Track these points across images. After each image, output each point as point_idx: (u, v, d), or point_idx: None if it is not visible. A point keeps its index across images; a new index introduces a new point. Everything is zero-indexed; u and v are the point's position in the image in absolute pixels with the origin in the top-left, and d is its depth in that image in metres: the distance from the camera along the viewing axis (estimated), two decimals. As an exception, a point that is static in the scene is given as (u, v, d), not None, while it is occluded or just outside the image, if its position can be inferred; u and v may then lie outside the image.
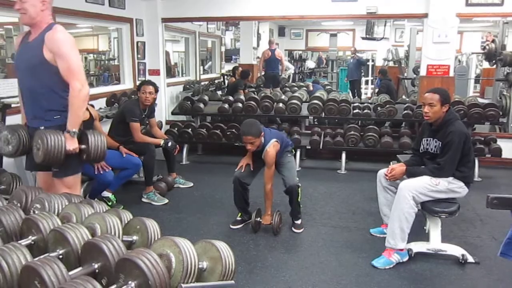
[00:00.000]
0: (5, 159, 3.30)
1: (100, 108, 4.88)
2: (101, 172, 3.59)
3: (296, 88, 8.11)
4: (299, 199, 3.49)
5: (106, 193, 3.86)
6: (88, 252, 1.41)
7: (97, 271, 1.38)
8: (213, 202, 4.13)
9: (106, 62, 10.47)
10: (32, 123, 2.56)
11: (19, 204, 1.95)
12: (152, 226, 1.77)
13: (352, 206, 4.03)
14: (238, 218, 3.60)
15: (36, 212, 1.78)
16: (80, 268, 1.40)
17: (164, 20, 6.00)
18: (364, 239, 3.31)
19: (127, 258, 1.28)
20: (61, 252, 1.49)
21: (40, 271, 1.22)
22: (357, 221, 3.67)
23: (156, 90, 4.31)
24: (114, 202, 3.92)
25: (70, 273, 1.37)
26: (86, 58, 10.12)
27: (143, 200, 4.12)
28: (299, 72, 14.71)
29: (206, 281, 1.53)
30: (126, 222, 1.85)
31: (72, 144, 2.43)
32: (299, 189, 3.48)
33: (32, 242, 1.61)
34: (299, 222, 3.54)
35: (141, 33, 5.86)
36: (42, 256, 1.37)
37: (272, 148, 3.36)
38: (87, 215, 1.75)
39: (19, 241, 1.57)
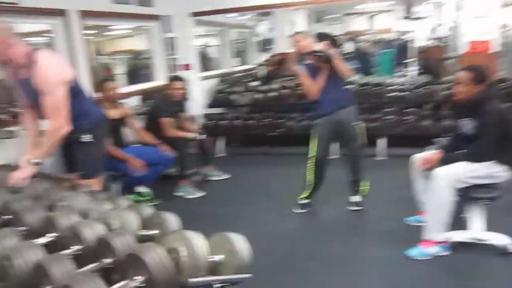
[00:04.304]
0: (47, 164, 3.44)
1: (136, 106, 4.97)
2: (136, 174, 3.66)
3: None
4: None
5: (141, 188, 3.95)
6: (101, 248, 1.42)
7: (109, 266, 1.38)
8: (248, 194, 4.12)
9: (144, 60, 10.69)
10: None
11: (47, 202, 2.00)
12: (172, 220, 1.76)
13: (387, 193, 3.87)
14: (303, 202, 3.54)
15: (59, 209, 1.81)
16: (93, 264, 1.40)
17: (193, 14, 6.02)
18: (399, 228, 3.16)
19: (133, 253, 1.27)
20: (77, 248, 1.50)
21: (47, 268, 1.23)
22: (392, 209, 3.52)
23: (185, 85, 4.35)
24: (150, 196, 4.00)
25: (84, 269, 1.38)
26: (121, 59, 10.38)
27: (178, 193, 4.17)
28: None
29: (223, 274, 1.50)
30: (147, 216, 1.84)
31: (24, 173, 2.34)
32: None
33: (54, 239, 1.63)
34: (359, 199, 3.51)
35: (171, 29, 5.90)
36: (54, 254, 1.38)
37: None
38: (105, 211, 1.76)
39: (39, 239, 1.61)
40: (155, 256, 1.25)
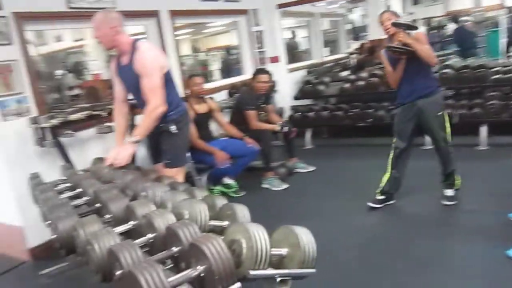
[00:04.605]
0: (138, 156, 3.70)
1: (223, 100, 5.12)
2: (222, 166, 3.77)
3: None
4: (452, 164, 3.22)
5: (228, 180, 4.07)
6: (169, 237, 1.48)
7: (176, 255, 1.44)
8: (333, 186, 4.03)
9: (236, 55, 10.98)
10: None
11: (131, 193, 2.15)
12: (242, 211, 1.78)
13: (490, 186, 3.53)
14: (380, 197, 3.37)
15: (140, 199, 1.93)
16: (162, 252, 1.48)
17: (280, 6, 6.01)
18: (501, 224, 2.85)
19: (194, 243, 1.30)
20: (151, 236, 1.59)
21: (118, 254, 1.32)
22: (494, 204, 3.19)
23: (271, 78, 4.37)
24: (236, 188, 4.10)
25: (154, 256, 1.46)
26: (217, 55, 10.74)
27: (263, 185, 4.21)
28: (438, 41, 13.39)
29: (287, 268, 1.48)
30: (219, 207, 1.89)
31: (124, 151, 2.55)
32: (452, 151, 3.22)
33: (132, 227, 1.75)
34: (451, 193, 3.26)
35: (258, 22, 5.96)
36: (126, 241, 1.48)
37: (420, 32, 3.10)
38: (179, 201, 1.84)
39: (119, 226, 1.73)
40: (213, 247, 1.26)
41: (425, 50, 2.98)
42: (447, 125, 3.21)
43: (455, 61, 5.42)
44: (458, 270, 2.42)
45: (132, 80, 2.66)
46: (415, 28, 3.01)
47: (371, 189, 3.40)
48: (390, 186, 3.34)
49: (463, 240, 2.74)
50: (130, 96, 2.92)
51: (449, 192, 3.25)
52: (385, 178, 3.35)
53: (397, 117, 3.29)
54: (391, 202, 3.39)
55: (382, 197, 3.36)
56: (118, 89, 2.84)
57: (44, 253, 3.19)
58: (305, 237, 1.50)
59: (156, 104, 2.58)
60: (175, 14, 4.56)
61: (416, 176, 3.53)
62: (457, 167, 3.27)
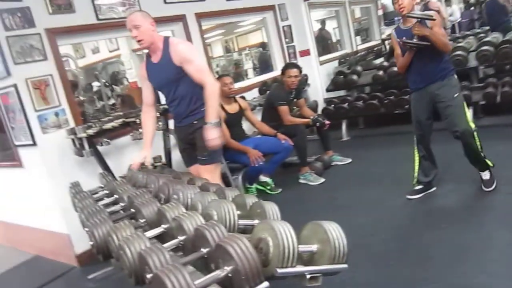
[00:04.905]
0: (174, 161, 3.77)
1: (254, 98, 5.12)
2: (256, 164, 3.77)
3: (471, 37, 6.98)
4: (478, 148, 3.02)
5: (263, 178, 4.06)
6: (198, 239, 1.49)
7: (205, 256, 1.45)
8: (371, 178, 3.93)
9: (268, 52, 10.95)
10: (184, 122, 2.85)
11: (163, 196, 2.19)
12: (271, 209, 1.77)
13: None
14: (418, 187, 3.26)
15: (171, 203, 1.96)
16: (192, 254, 1.49)
17: (307, -2, 5.95)
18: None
19: (220, 244, 1.30)
20: (181, 239, 1.61)
21: (147, 258, 1.34)
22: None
23: (300, 72, 4.32)
24: (272, 185, 4.10)
25: (184, 258, 1.48)
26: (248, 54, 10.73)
27: (300, 181, 4.18)
28: (478, 18, 12.77)
29: (318, 264, 1.45)
30: (249, 206, 1.89)
31: (213, 134, 2.63)
32: (474, 133, 3.00)
33: (164, 230, 1.78)
34: (487, 176, 3.08)
35: (285, 17, 5.92)
36: (155, 245, 1.50)
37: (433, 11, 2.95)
38: (208, 202, 1.85)
39: (151, 230, 1.76)
40: (238, 247, 1.26)
41: (441, 40, 2.85)
42: (466, 108, 3.04)
43: (494, 37, 5.13)
44: (503, 259, 2.29)
45: (166, 74, 2.69)
46: (431, 17, 2.85)
47: (409, 178, 3.30)
48: (423, 174, 3.23)
49: (506, 226, 2.59)
50: (163, 100, 2.97)
51: (486, 175, 3.08)
52: (416, 167, 3.25)
53: (412, 103, 3.18)
54: (431, 190, 3.26)
55: (420, 186, 3.25)
56: (147, 93, 2.88)
57: (90, 259, 3.32)
58: (334, 232, 1.47)
59: (211, 82, 2.66)
60: (201, 16, 4.61)
61: (456, 161, 3.38)
62: (485, 150, 3.08)
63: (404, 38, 2.95)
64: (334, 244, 1.44)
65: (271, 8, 5.72)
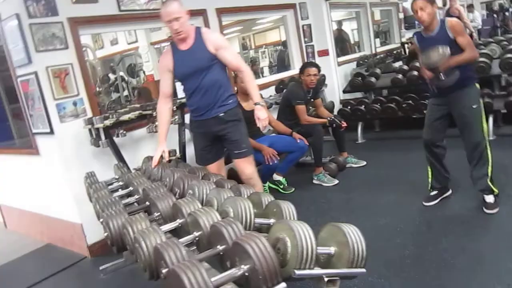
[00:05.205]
0: (188, 155, 3.75)
1: (270, 96, 5.09)
2: (270, 163, 3.73)
3: (494, 44, 6.84)
4: (488, 166, 2.90)
5: (277, 177, 4.03)
6: (215, 235, 1.47)
7: (221, 253, 1.43)
8: (386, 181, 3.87)
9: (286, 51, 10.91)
10: (209, 114, 2.77)
11: (178, 191, 2.17)
12: (288, 208, 1.74)
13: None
14: (433, 193, 3.19)
15: (186, 197, 1.95)
16: (208, 251, 1.47)
17: (328, -2, 5.89)
18: None
19: (238, 242, 1.28)
20: (197, 234, 1.59)
21: (163, 252, 1.32)
22: None
23: (319, 72, 4.28)
24: (285, 185, 4.06)
25: (200, 255, 1.46)
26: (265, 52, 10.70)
27: (314, 181, 4.14)
28: (500, 25, 12.54)
29: (335, 267, 1.42)
30: (265, 205, 1.86)
31: (264, 114, 2.74)
32: (488, 149, 2.89)
33: (179, 225, 1.76)
34: (490, 199, 2.94)
35: (305, 16, 5.87)
36: (171, 239, 1.48)
37: (455, 19, 2.86)
38: (225, 199, 1.83)
39: (167, 224, 1.75)
40: (257, 246, 1.24)
41: (468, 57, 2.76)
42: (484, 120, 2.92)
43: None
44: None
45: (197, 60, 2.65)
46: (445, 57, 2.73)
47: (425, 184, 3.24)
48: (436, 179, 3.17)
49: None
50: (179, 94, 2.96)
51: (489, 199, 2.94)
52: (429, 173, 3.20)
53: (429, 106, 3.09)
54: (446, 194, 3.21)
55: (434, 192, 3.19)
56: (166, 84, 2.80)
57: (102, 250, 3.34)
58: (353, 235, 1.44)
59: (247, 67, 2.80)
60: (222, 11, 4.59)
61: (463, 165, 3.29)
62: (489, 170, 2.94)
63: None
64: (353, 248, 1.41)
65: (291, 6, 5.68)
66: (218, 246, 1.44)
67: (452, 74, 2.78)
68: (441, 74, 2.77)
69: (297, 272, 1.27)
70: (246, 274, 1.25)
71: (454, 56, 2.73)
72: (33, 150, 3.52)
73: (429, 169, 3.20)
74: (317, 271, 1.33)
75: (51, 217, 3.75)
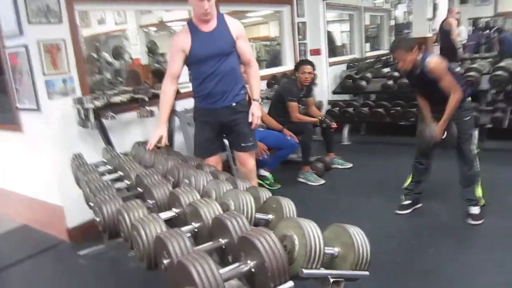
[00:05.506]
0: (176, 144, 3.67)
1: (261, 90, 5.03)
2: (260, 157, 3.70)
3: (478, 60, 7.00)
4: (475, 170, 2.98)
5: (263, 172, 4.00)
6: (217, 228, 1.43)
7: (223, 247, 1.38)
8: (371, 185, 3.90)
9: (276, 47, 10.86)
10: (221, 103, 2.69)
11: (172, 179, 2.11)
12: (288, 205, 1.71)
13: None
14: (405, 203, 3.24)
15: (183, 186, 1.89)
16: (209, 243, 1.42)
17: (325, -3, 5.87)
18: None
19: (246, 236, 1.24)
20: (196, 225, 1.54)
21: (166, 242, 1.27)
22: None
23: (314, 70, 4.27)
24: (272, 181, 4.04)
25: (200, 247, 1.41)
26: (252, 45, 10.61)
27: (300, 179, 4.13)
28: (485, 42, 12.81)
29: (338, 268, 1.40)
30: (264, 200, 1.82)
31: (259, 111, 2.77)
32: (476, 162, 2.97)
33: (176, 215, 1.71)
34: (476, 211, 3.00)
35: (302, 13, 5.84)
36: (174, 229, 1.43)
37: (436, 59, 2.81)
38: (224, 191, 1.78)
39: (163, 213, 1.69)
40: (266, 242, 1.20)
41: (453, 102, 2.79)
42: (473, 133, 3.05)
43: (508, 63, 5.10)
44: (510, 283, 2.27)
45: (221, 43, 2.59)
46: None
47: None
48: (410, 190, 3.26)
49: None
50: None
51: (474, 210, 3.00)
52: (409, 179, 3.28)
53: (420, 116, 3.15)
54: (418, 206, 3.27)
55: (408, 202, 3.24)
56: (177, 65, 2.65)
57: (82, 234, 3.23)
58: (358, 237, 1.43)
59: (256, 63, 2.79)
60: (221, 1, 4.50)
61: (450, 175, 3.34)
62: (477, 181, 3.05)
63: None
64: (359, 250, 1.40)
65: (289, 2, 5.63)
66: (220, 239, 1.39)
67: (450, 127, 2.88)
68: (442, 137, 2.90)
69: (305, 271, 1.25)
70: (253, 270, 1.21)
71: (442, 118, 2.84)
72: (16, 126, 3.38)
73: (411, 178, 3.24)
74: (324, 271, 1.30)
75: (30, 197, 3.61)
